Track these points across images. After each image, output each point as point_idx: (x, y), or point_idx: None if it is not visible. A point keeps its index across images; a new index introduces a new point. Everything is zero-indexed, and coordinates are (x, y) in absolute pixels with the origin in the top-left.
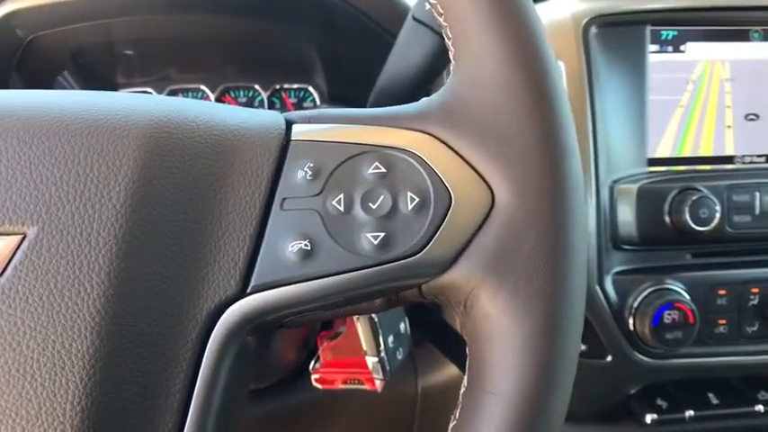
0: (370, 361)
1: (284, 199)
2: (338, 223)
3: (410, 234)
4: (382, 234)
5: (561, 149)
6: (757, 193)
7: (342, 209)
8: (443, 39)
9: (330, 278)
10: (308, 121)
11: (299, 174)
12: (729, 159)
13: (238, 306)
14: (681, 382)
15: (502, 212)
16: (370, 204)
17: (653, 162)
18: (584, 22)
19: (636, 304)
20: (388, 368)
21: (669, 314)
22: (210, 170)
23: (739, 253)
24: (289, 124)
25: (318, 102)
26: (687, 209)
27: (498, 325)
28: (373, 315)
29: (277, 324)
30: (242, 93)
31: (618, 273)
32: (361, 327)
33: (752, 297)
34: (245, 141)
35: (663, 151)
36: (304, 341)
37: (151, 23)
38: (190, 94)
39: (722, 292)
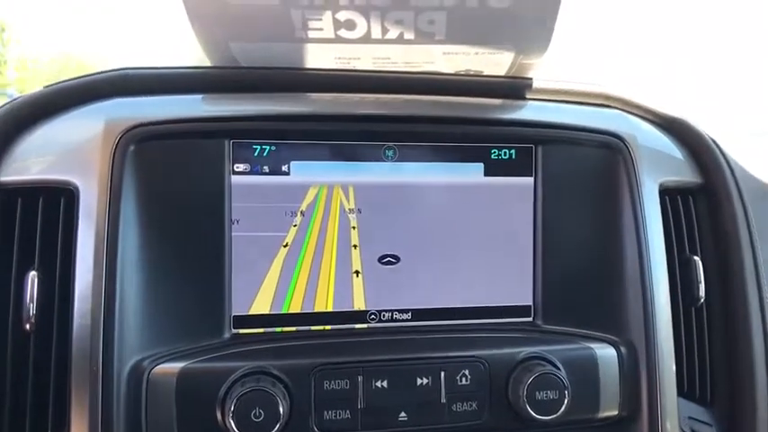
0: None
1: None
2: None
3: None
4: None
5: None
6: (360, 378)
7: None
8: None
9: None
10: None
11: None
12: (360, 316)
13: None
14: None
15: None
16: None
17: (242, 322)
18: (120, 135)
19: None
20: None
21: None
22: None
23: None
24: None
25: None
26: (233, 406)
27: None
28: None
29: None
30: None
31: None
32: None
33: None
34: None
35: (260, 307)
36: None
37: None
38: None
39: None
